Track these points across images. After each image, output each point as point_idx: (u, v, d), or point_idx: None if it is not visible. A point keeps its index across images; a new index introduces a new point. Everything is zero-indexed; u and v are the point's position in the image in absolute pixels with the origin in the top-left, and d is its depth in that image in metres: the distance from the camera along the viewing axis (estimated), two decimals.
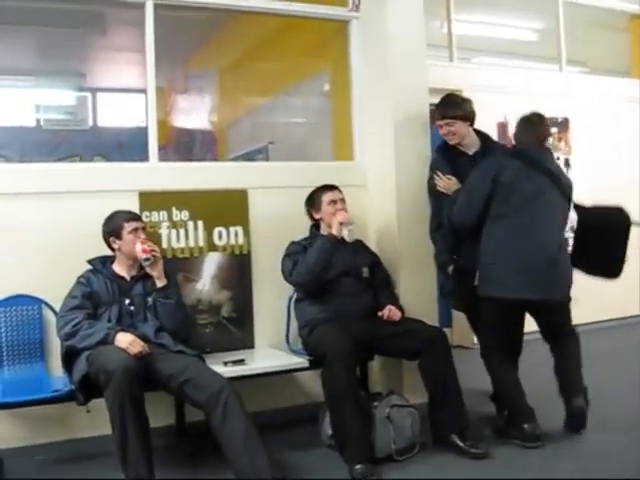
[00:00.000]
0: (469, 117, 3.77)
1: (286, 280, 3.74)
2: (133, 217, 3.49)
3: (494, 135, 5.64)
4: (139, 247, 3.36)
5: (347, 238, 3.59)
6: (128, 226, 3.43)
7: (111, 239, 3.46)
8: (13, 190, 3.63)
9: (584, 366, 3.63)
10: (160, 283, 3.42)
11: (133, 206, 3.69)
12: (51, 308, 3.58)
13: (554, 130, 6.24)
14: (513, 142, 3.74)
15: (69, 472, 3.38)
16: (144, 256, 3.35)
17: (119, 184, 3.75)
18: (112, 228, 3.46)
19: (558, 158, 6.22)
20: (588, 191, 6.25)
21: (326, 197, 3.78)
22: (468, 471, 3.23)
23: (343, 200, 3.79)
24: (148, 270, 3.41)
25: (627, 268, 3.73)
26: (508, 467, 3.24)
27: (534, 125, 3.66)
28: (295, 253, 3.72)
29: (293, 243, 3.80)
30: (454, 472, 3.22)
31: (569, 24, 6.46)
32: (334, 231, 3.60)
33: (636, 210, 6.35)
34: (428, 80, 4.30)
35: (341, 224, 3.60)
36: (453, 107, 3.76)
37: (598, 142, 6.47)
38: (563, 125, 6.32)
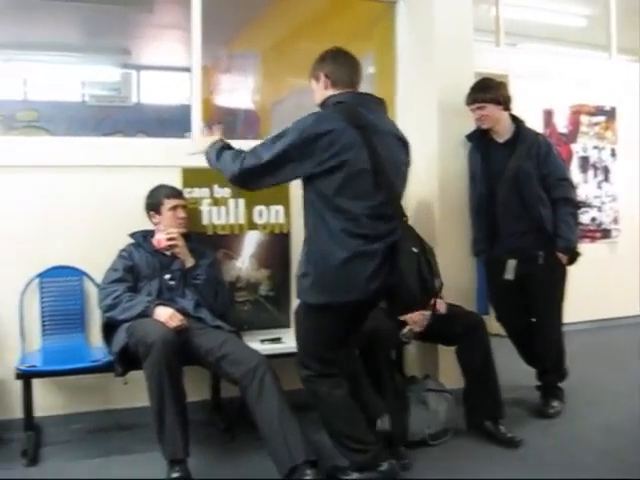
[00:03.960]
0: (501, 100, 3.72)
1: None
2: (174, 194, 3.52)
3: (539, 122, 5.62)
4: (157, 237, 3.40)
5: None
6: (168, 203, 3.47)
7: (151, 213, 3.51)
8: (59, 163, 3.66)
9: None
10: (188, 264, 3.43)
11: (176, 182, 3.70)
12: (92, 280, 3.63)
13: (601, 119, 6.14)
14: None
15: (104, 441, 3.45)
16: (158, 247, 3.40)
17: (163, 160, 3.76)
18: (152, 202, 3.51)
19: (604, 148, 6.15)
20: (633, 181, 6.24)
21: None
22: (501, 458, 3.21)
23: None
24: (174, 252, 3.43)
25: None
26: (541, 456, 3.23)
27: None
28: None
29: None
30: (487, 459, 3.21)
31: (620, 11, 6.31)
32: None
33: None
34: (474, 64, 4.24)
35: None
36: (484, 90, 3.73)
37: None
38: (610, 114, 6.20)
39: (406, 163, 2.91)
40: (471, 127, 3.92)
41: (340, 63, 2.86)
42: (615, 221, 6.20)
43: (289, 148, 2.66)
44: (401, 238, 2.70)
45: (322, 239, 2.70)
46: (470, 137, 3.91)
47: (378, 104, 2.88)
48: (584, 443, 3.39)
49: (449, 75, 4.07)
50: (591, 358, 4.88)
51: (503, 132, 3.76)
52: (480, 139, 3.84)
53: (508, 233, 3.71)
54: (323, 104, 2.83)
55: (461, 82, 3.92)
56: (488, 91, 3.71)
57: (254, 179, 2.78)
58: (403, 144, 2.89)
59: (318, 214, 2.71)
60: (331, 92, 2.82)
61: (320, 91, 2.87)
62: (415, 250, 2.70)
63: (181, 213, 3.49)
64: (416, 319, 3.46)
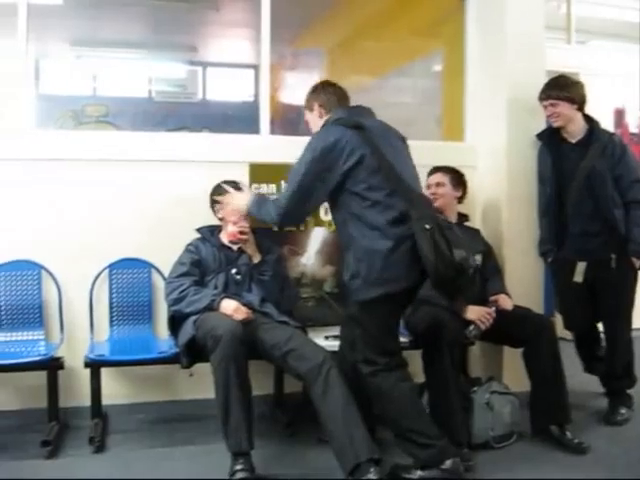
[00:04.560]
0: (576, 100, 3.63)
1: None
2: (235, 187, 3.53)
3: (610, 122, 5.48)
4: (229, 229, 3.42)
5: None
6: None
7: (215, 208, 3.55)
8: (129, 157, 3.75)
9: None
10: (255, 260, 3.47)
11: (244, 177, 3.75)
12: (160, 272, 3.69)
13: None
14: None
15: (169, 432, 3.49)
16: (230, 240, 3.45)
17: (231, 155, 3.81)
18: (216, 195, 3.55)
19: None
20: None
21: None
22: (567, 463, 3.14)
23: None
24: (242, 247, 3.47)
25: None
26: (608, 463, 3.14)
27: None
28: None
29: None
30: (553, 464, 3.14)
31: None
32: None
33: None
34: (545, 62, 4.16)
35: None
36: (559, 87, 3.64)
37: None
38: None
39: (409, 156, 3.05)
40: (541, 126, 3.85)
41: (330, 93, 3.11)
42: None
43: (311, 169, 2.83)
44: (415, 219, 2.77)
45: (366, 236, 2.81)
46: (540, 136, 3.83)
47: (369, 112, 3.06)
48: None
49: (520, 73, 4.01)
50: None
51: (576, 132, 3.67)
52: (551, 138, 3.76)
53: (578, 234, 3.63)
54: (322, 127, 3.01)
55: (532, 80, 3.86)
56: (564, 89, 3.62)
57: (295, 214, 2.98)
58: (401, 139, 3.05)
59: (355, 216, 2.83)
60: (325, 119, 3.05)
61: (315, 120, 3.12)
62: (428, 226, 2.75)
63: None
64: (481, 317, 3.41)
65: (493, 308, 3.47)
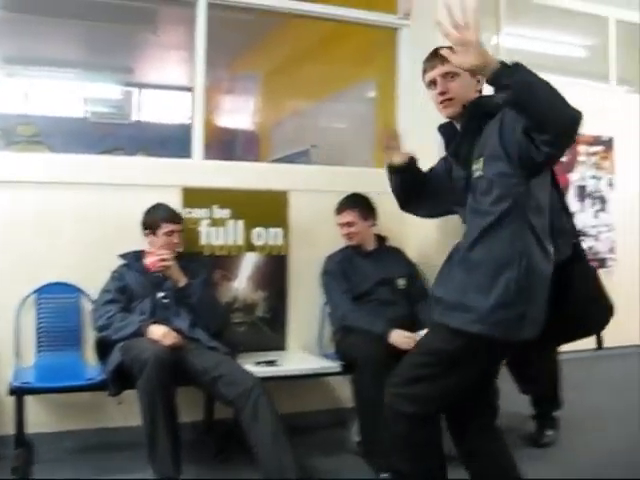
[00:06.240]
0: None
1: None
2: (173, 219, 3.51)
3: None
4: (148, 260, 3.37)
5: None
6: (165, 227, 3.47)
7: (146, 231, 3.51)
8: (58, 179, 3.67)
9: None
10: (180, 284, 3.42)
11: (176, 201, 3.72)
12: (89, 297, 3.62)
13: (599, 149, 6.16)
14: None
15: (97, 460, 3.43)
16: (151, 269, 3.39)
17: (163, 179, 3.77)
18: (149, 222, 3.52)
19: (601, 177, 6.16)
20: (631, 210, 6.25)
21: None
22: None
23: None
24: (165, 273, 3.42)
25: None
26: None
27: None
28: (332, 273, 3.73)
29: (329, 259, 3.79)
30: None
31: (619, 43, 6.37)
32: None
33: None
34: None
35: None
36: None
37: None
38: (608, 144, 6.23)
39: None
40: None
41: None
42: (611, 250, 6.20)
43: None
44: (580, 256, 2.34)
45: (538, 261, 2.20)
46: None
47: None
48: (580, 473, 3.36)
49: None
50: (588, 388, 4.86)
51: None
52: None
53: None
54: (485, 104, 2.37)
55: None
56: None
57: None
58: None
59: (532, 230, 2.20)
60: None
61: (468, 88, 2.45)
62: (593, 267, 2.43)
63: (176, 239, 3.49)
64: (404, 345, 3.41)
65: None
